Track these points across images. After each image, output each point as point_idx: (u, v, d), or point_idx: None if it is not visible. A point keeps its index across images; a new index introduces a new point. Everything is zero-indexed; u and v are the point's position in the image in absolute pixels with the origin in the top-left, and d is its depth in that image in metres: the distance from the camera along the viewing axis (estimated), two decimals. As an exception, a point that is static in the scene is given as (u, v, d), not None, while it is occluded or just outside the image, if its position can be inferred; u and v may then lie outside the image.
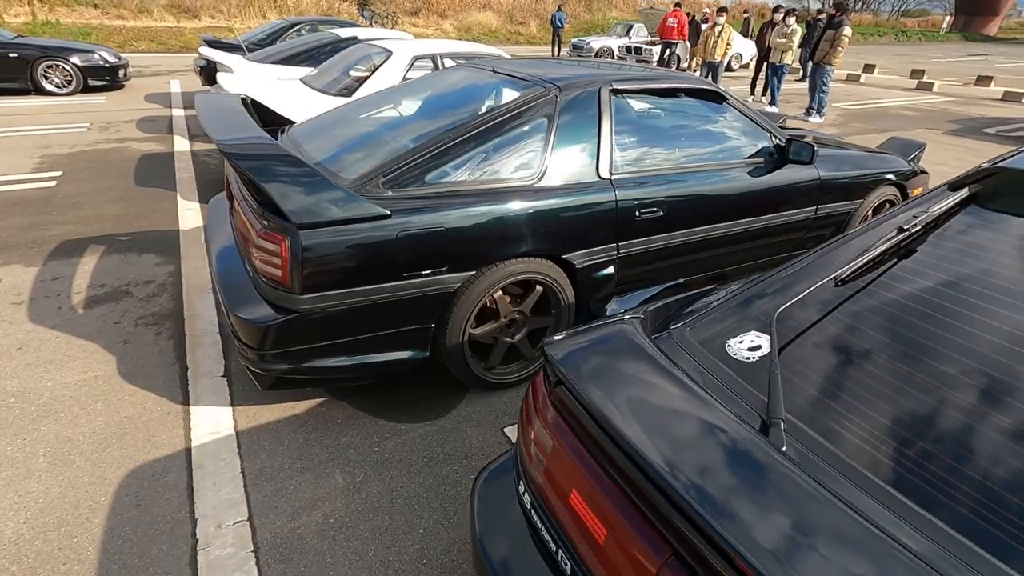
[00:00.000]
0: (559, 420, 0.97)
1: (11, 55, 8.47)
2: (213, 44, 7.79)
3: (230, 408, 2.30)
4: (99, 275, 3.36)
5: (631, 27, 17.50)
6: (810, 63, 9.22)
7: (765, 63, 10.07)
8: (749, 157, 2.79)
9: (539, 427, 1.03)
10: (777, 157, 2.83)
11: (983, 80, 14.71)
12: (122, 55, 10.14)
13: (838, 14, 8.53)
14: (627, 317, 1.09)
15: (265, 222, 1.84)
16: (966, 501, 0.72)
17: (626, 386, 0.91)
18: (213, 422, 2.22)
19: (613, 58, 16.45)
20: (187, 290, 3.20)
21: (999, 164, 1.20)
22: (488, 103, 2.45)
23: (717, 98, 2.78)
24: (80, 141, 6.31)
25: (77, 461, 2.01)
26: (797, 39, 9.12)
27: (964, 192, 1.19)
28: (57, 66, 8.73)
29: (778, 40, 9.27)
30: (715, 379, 0.95)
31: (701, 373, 0.96)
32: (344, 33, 6.65)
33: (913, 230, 1.12)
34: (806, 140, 2.84)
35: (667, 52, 13.85)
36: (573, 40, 17.81)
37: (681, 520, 0.73)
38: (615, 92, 2.47)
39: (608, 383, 0.91)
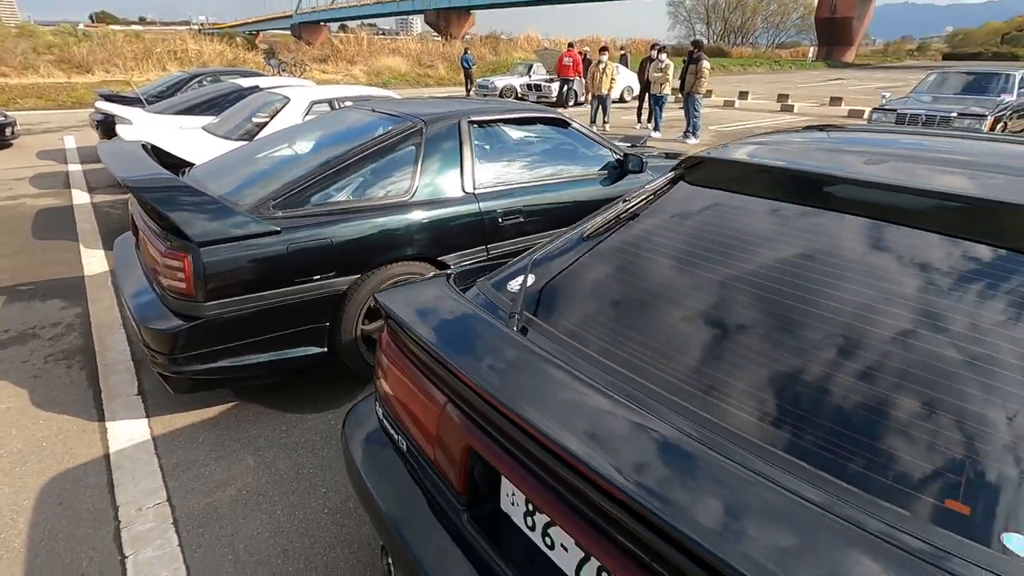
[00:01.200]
0: (390, 341, 1.39)
1: None
2: (110, 98, 7.82)
3: (145, 419, 2.53)
4: (4, 322, 3.44)
5: (531, 66, 18.76)
6: (680, 93, 10.45)
7: (647, 94, 11.25)
8: (597, 170, 3.39)
9: (379, 351, 1.45)
10: (619, 169, 3.45)
11: (835, 100, 16.94)
12: (8, 113, 9.82)
13: (696, 51, 9.80)
14: (439, 276, 1.54)
15: (169, 243, 2.17)
16: (622, 355, 1.19)
17: (427, 310, 1.34)
18: (129, 432, 2.45)
19: (516, 95, 17.57)
20: (96, 327, 3.36)
21: (702, 155, 1.77)
22: (366, 136, 2.89)
23: (561, 123, 3.38)
24: (-32, 201, 6.16)
25: (3, 486, 2.18)
26: (671, 72, 10.32)
27: (677, 174, 1.74)
28: (-64, 127, 8.38)
29: (655, 75, 10.46)
30: (494, 303, 1.40)
31: (484, 301, 1.42)
32: (246, 83, 6.94)
33: (638, 199, 1.65)
34: (639, 154, 3.50)
35: (565, 88, 15.05)
36: (478, 80, 18.82)
37: (450, 376, 1.16)
38: (473, 123, 2.99)
39: (415, 310, 1.34)
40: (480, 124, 3.05)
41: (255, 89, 6.43)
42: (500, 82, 18.02)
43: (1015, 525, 0.76)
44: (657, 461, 0.89)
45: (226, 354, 2.29)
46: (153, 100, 7.70)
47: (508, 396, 1.03)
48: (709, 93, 9.93)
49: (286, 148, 3.16)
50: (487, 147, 3.08)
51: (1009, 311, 1.02)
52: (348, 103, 5.34)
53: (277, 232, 2.28)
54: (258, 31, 60.83)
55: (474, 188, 2.89)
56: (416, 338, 1.23)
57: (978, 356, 0.95)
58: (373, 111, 3.15)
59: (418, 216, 2.64)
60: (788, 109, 15.61)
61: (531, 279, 1.46)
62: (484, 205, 2.87)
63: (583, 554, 0.95)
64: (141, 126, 5.74)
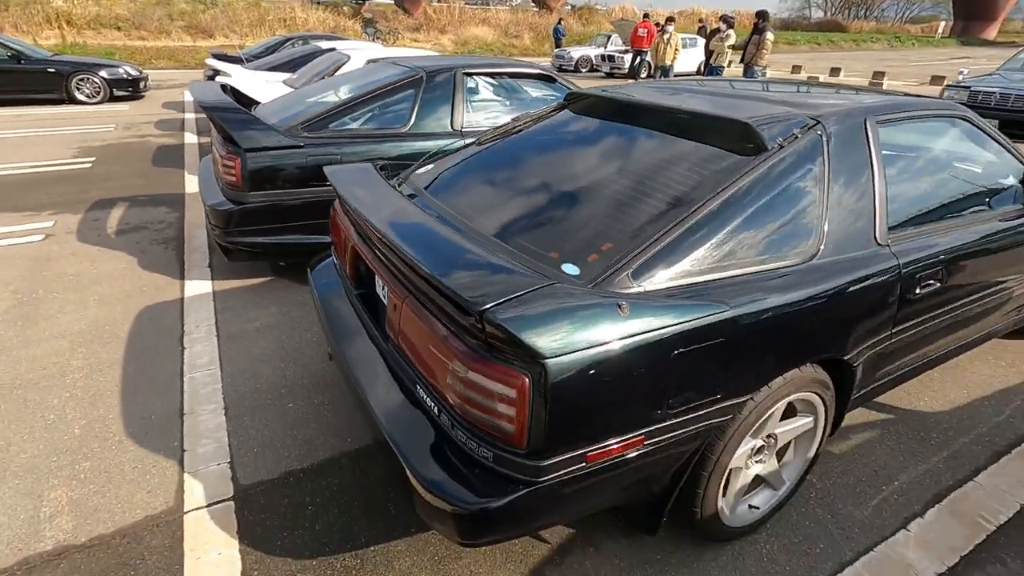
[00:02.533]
0: (337, 208, 2.18)
1: (49, 70, 9.95)
2: (219, 57, 9.19)
3: (210, 281, 3.54)
4: (126, 218, 4.64)
5: (609, 37, 18.82)
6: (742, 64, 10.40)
7: (706, 64, 11.27)
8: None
9: (331, 214, 2.24)
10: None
11: (936, 80, 15.71)
12: (143, 70, 11.63)
13: (760, 22, 9.71)
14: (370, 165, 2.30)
15: (227, 148, 3.09)
16: (457, 201, 1.89)
17: (355, 184, 2.11)
18: (198, 287, 3.46)
19: (591, 66, 17.80)
20: (187, 226, 4.47)
21: (579, 91, 2.39)
22: (379, 80, 3.68)
23: (546, 78, 3.98)
24: (108, 137, 7.69)
25: (113, 304, 3.25)
26: (729, 43, 10.31)
27: (562, 104, 2.38)
28: (88, 79, 10.19)
29: (716, 44, 10.48)
30: (404, 184, 2.15)
31: (397, 181, 2.17)
32: (325, 45, 7.99)
33: (528, 120, 2.32)
34: None
35: (637, 59, 15.13)
36: (555, 51, 19.17)
37: (355, 215, 1.92)
38: (467, 74, 3.70)
39: (348, 180, 2.11)
40: (474, 76, 3.73)
41: (331, 50, 7.44)
42: (576, 53, 18.29)
43: (569, 260, 1.43)
44: (433, 241, 1.60)
45: (263, 232, 3.22)
46: (252, 59, 8.98)
47: (378, 220, 1.76)
48: (766, 67, 9.80)
49: (326, 92, 4.03)
50: (477, 95, 3.74)
51: (677, 172, 1.64)
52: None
53: (301, 147, 3.15)
54: (364, 1, 64.05)
55: (461, 127, 3.54)
56: (342, 196, 1.97)
57: (624, 190, 1.59)
58: (394, 63, 3.93)
59: (414, 144, 3.42)
60: (876, 86, 14.77)
61: (430, 166, 2.19)
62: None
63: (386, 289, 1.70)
64: (237, 79, 6.91)
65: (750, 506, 1.81)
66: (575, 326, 1.19)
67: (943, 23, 45.67)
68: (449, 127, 3.55)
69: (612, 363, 1.22)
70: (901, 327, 1.85)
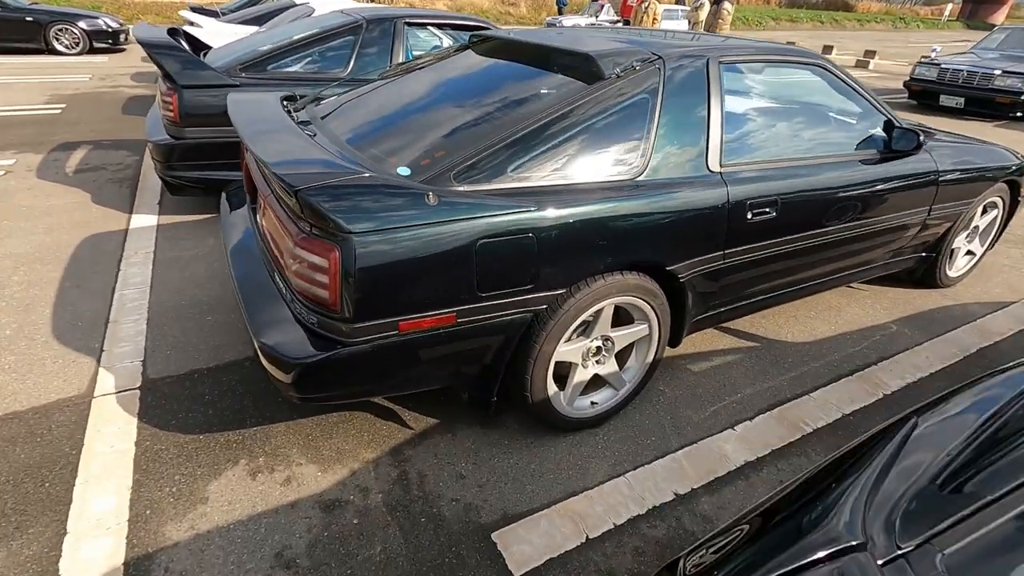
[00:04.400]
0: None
1: (27, 19, 9.92)
2: (196, 10, 9.19)
3: (157, 216, 3.73)
4: (86, 160, 4.80)
5: (603, 7, 18.66)
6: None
7: (689, 36, 11.29)
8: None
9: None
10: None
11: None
12: (123, 23, 11.57)
13: (718, -8, 9.76)
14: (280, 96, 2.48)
15: (166, 86, 3.26)
16: (340, 123, 2.09)
17: (248, 107, 2.29)
18: (144, 221, 3.65)
19: (582, 36, 17.69)
20: (145, 169, 4.64)
21: (483, 34, 2.56)
22: (321, 26, 3.81)
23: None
24: (83, 86, 7.76)
25: (61, 232, 3.44)
26: (703, 13, 10.34)
27: (465, 44, 2.55)
28: (66, 29, 10.17)
29: (690, 13, 10.52)
30: (301, 112, 2.33)
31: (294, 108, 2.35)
32: (299, 0, 8.03)
33: (431, 58, 2.49)
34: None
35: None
36: (547, 19, 19.03)
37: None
38: (409, 24, 3.83)
39: (242, 107, 2.29)
40: (415, 26, 3.88)
41: (303, 4, 7.48)
42: (568, 21, 18.14)
43: (404, 164, 1.63)
44: (286, 147, 1.79)
45: (202, 167, 3.41)
46: (228, 13, 8.99)
47: (248, 132, 1.95)
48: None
49: (271, 38, 4.16)
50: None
51: (525, 96, 1.83)
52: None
53: (236, 86, 3.31)
54: (362, -37, 62.81)
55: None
56: (230, 115, 2.14)
57: (474, 112, 1.79)
58: (342, 12, 4.06)
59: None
60: (863, 65, 14.77)
61: (331, 98, 2.38)
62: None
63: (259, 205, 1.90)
64: (207, 31, 6.96)
65: (592, 402, 2.06)
66: (383, 208, 1.40)
67: (950, 6, 45.03)
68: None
69: (418, 245, 1.44)
70: (732, 251, 2.07)
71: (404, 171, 1.61)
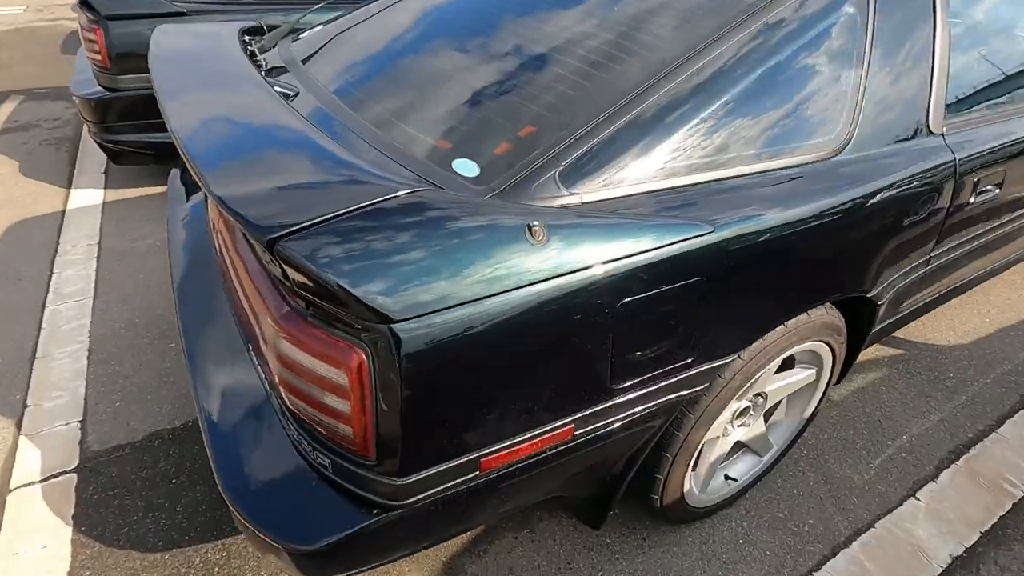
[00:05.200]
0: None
1: (-55, -61, 8.48)
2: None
3: (103, 190, 2.95)
4: (16, 115, 3.91)
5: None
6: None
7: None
8: None
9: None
10: None
11: None
12: (61, -59, 10.02)
13: None
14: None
15: (87, 17, 2.40)
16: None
17: (183, 51, 1.50)
18: (87, 197, 2.87)
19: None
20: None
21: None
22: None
23: None
24: (16, 21, 6.61)
25: (-22, 216, 2.69)
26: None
27: None
28: (-7, -50, 8.73)
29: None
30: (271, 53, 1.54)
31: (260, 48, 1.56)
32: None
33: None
34: None
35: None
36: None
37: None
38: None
39: (172, 52, 1.50)
40: None
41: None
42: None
43: (464, 153, 0.91)
44: (243, 132, 1.04)
45: (147, 128, 2.60)
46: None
47: (172, 104, 1.17)
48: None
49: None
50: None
51: (637, 26, 1.08)
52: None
53: (183, 14, 2.45)
54: None
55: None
56: (150, 69, 1.34)
57: (558, 56, 1.04)
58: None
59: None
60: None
61: (317, 31, 1.58)
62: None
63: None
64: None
65: (726, 477, 1.43)
66: (447, 264, 0.70)
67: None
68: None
69: (517, 323, 0.75)
70: (944, 246, 1.38)
71: (466, 167, 0.89)
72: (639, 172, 0.90)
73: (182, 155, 0.90)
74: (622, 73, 0.97)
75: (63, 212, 2.75)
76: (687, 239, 0.86)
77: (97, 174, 3.13)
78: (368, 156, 0.92)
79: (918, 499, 1.53)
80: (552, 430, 0.87)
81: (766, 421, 1.45)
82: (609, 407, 0.91)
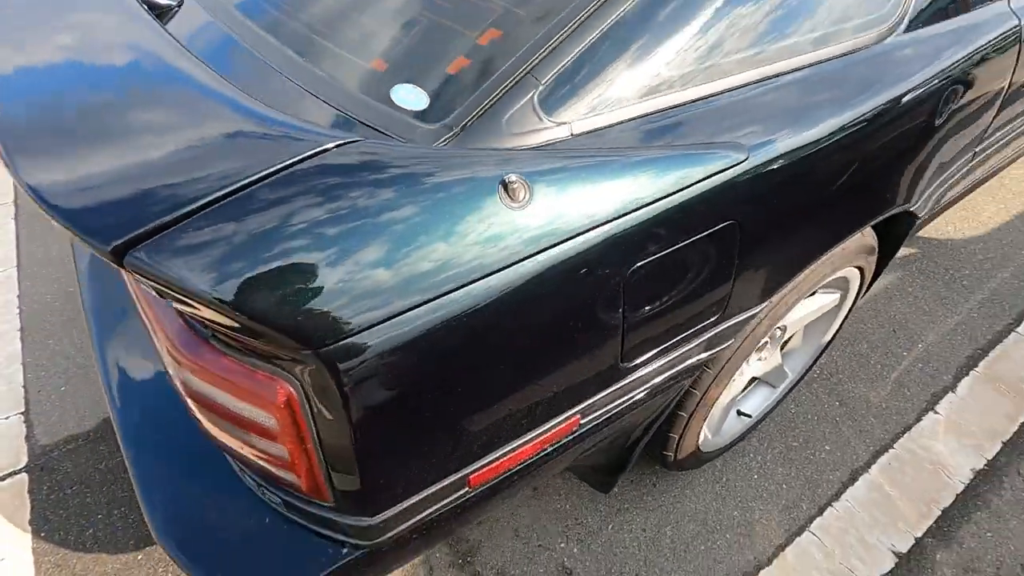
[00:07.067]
0: None
1: None
2: None
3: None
4: None
5: None
6: None
7: None
8: None
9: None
10: None
11: None
12: None
13: None
14: None
15: None
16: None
17: None
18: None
19: None
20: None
21: None
22: None
23: None
24: None
25: None
26: None
27: None
28: None
29: None
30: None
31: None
32: None
33: None
34: None
35: None
36: None
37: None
38: None
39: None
40: None
41: None
42: None
43: (407, 78, 0.67)
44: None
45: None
46: None
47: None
48: None
49: None
50: None
51: None
52: None
53: None
54: None
55: None
56: None
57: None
58: None
59: None
60: None
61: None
62: None
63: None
64: None
65: (739, 412, 1.32)
66: (394, 250, 0.49)
67: None
68: None
69: (495, 315, 0.56)
70: (995, 134, 1.18)
71: (410, 98, 0.65)
72: (641, 85, 0.67)
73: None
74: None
75: (-31, 166, 2.40)
76: (717, 173, 0.65)
77: None
78: (274, 91, 0.67)
79: (937, 412, 1.45)
80: (554, 427, 0.71)
81: (781, 350, 1.32)
82: (620, 387, 0.75)
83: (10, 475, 1.38)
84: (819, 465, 1.35)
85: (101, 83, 0.63)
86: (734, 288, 0.77)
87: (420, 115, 0.63)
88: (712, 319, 0.79)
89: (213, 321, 0.49)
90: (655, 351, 0.75)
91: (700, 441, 1.15)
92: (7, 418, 1.50)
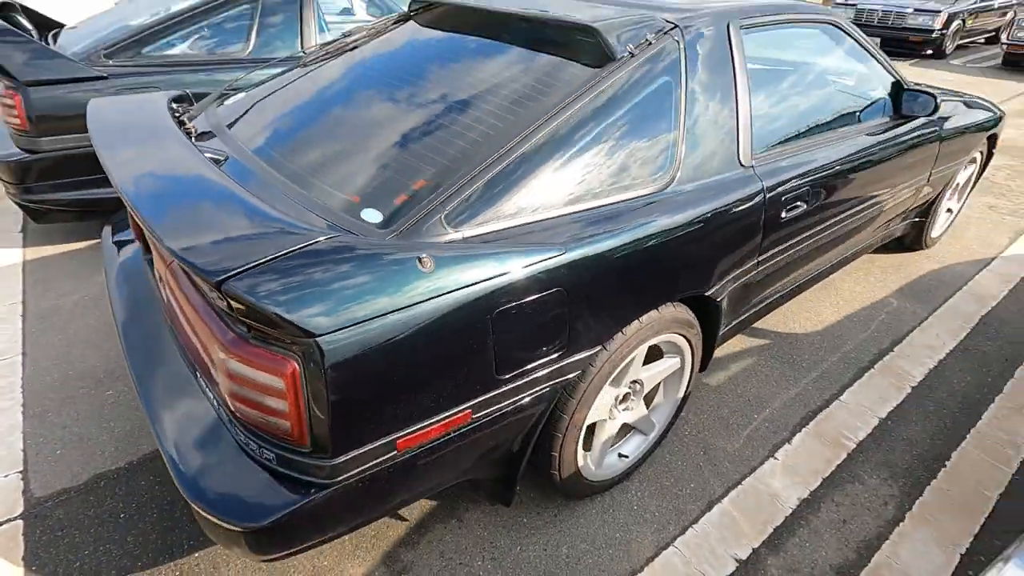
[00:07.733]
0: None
1: None
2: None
3: (22, 250, 2.96)
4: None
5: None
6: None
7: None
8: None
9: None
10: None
11: None
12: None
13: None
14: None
15: (3, 84, 2.48)
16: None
17: (119, 121, 1.68)
18: (6, 258, 2.87)
19: None
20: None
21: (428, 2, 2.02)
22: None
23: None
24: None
25: None
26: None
27: (405, 14, 2.00)
28: None
29: None
30: (199, 119, 1.74)
31: (189, 116, 1.76)
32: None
33: (362, 36, 1.93)
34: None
35: None
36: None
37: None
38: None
39: (108, 122, 1.68)
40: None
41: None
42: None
43: (371, 204, 1.16)
44: (182, 192, 1.25)
45: (67, 186, 2.67)
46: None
47: (117, 167, 1.35)
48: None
49: (149, 9, 3.35)
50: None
51: (512, 89, 1.36)
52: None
53: (104, 78, 2.58)
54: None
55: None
56: (91, 136, 1.50)
57: (447, 115, 1.31)
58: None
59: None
60: None
61: (240, 96, 1.79)
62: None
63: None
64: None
65: (620, 455, 1.71)
66: (357, 291, 0.93)
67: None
68: (299, 48, 3.06)
69: (414, 332, 0.99)
70: (767, 254, 1.75)
71: (371, 215, 1.13)
72: (509, 211, 1.17)
73: (135, 217, 1.09)
74: (491, 135, 1.25)
75: (-20, 274, 2.74)
76: (542, 260, 1.13)
77: (14, 233, 3.12)
78: (293, 210, 1.15)
79: (776, 458, 1.86)
80: (454, 414, 1.11)
81: (648, 404, 1.75)
82: (498, 394, 1.16)
83: (6, 522, 1.60)
84: (684, 498, 1.72)
85: (196, 195, 1.10)
86: (571, 331, 1.23)
87: (378, 225, 1.11)
88: (557, 353, 1.23)
89: (258, 319, 0.90)
90: (520, 369, 1.18)
91: (581, 466, 1.53)
92: (6, 476, 1.73)
